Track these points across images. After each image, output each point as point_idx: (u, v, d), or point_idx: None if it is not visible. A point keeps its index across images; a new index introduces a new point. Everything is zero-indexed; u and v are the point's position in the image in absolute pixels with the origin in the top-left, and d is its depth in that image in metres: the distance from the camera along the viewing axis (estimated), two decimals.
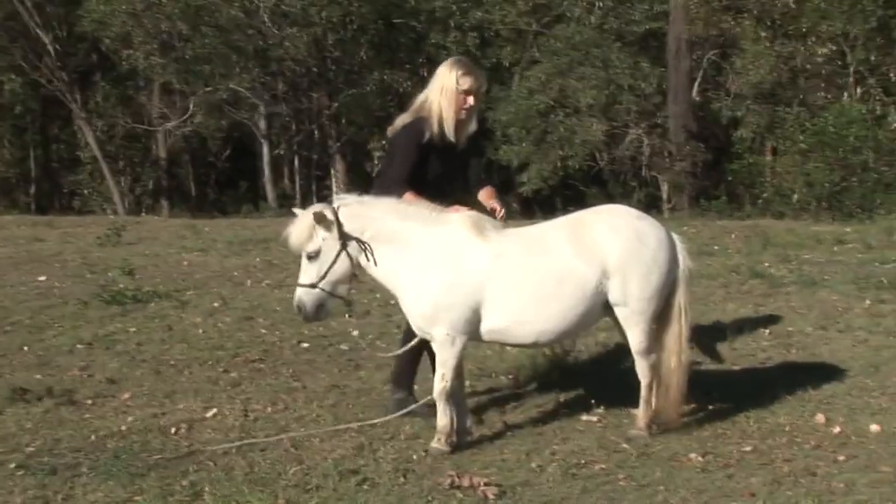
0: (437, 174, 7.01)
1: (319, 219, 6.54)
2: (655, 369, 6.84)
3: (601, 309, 6.67)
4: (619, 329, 6.92)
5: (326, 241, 6.59)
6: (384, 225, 6.59)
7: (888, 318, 9.90)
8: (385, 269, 6.65)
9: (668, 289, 6.72)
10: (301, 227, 6.64)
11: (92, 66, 35.58)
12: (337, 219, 6.57)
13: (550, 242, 6.59)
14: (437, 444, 6.60)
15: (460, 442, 6.68)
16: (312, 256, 6.63)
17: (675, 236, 6.86)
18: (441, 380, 6.62)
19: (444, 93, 6.94)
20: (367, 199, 6.75)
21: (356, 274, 6.72)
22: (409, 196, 6.81)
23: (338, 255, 6.59)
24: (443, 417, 6.65)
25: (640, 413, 6.93)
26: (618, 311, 6.65)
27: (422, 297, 6.53)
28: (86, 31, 32.10)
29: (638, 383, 6.89)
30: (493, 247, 6.52)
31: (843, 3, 26.93)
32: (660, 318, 6.77)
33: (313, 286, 6.64)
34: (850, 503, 5.48)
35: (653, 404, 6.90)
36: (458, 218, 6.62)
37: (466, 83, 6.90)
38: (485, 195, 7.11)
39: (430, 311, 6.51)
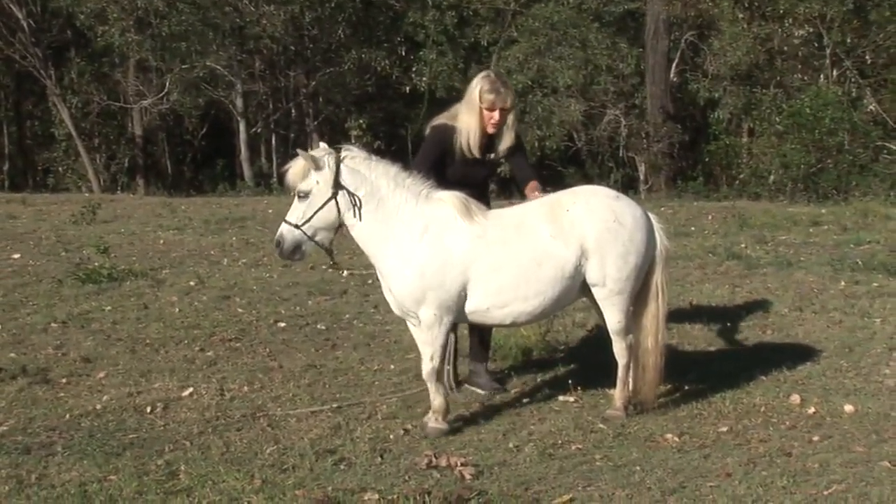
0: (458, 179, 7.06)
1: (316, 163, 6.54)
2: (632, 349, 6.86)
3: (579, 290, 6.69)
4: (595, 310, 6.95)
5: (319, 185, 6.59)
6: (378, 187, 6.61)
7: (862, 300, 9.96)
8: (370, 234, 6.65)
9: (646, 269, 6.74)
10: (299, 165, 6.61)
11: (66, 43, 35.22)
12: (337, 167, 6.56)
13: (529, 224, 6.60)
14: (435, 423, 6.61)
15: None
16: (302, 196, 6.63)
17: (651, 216, 6.86)
18: (430, 360, 6.63)
19: (469, 106, 7.05)
20: (374, 158, 6.74)
21: (342, 226, 6.70)
22: None
23: (326, 202, 6.59)
24: (437, 397, 6.67)
25: (617, 393, 6.95)
26: (596, 292, 6.66)
27: (410, 279, 6.53)
28: (60, 6, 31.79)
29: (615, 364, 6.91)
30: (475, 228, 6.54)
31: None
32: (637, 299, 6.79)
33: (297, 227, 6.62)
34: (825, 483, 5.51)
35: (630, 385, 6.93)
36: (447, 196, 6.63)
37: (488, 100, 6.98)
38: (528, 189, 7.18)
39: (419, 293, 6.51)
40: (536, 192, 7.09)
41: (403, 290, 6.57)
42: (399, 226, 6.57)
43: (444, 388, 6.76)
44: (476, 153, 7.08)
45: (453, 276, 6.47)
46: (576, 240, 6.50)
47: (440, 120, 7.24)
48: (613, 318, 6.75)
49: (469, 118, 7.03)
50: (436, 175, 6.93)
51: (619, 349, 6.87)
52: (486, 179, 7.47)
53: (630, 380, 6.94)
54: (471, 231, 6.53)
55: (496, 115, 7.00)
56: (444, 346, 6.68)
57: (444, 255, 6.49)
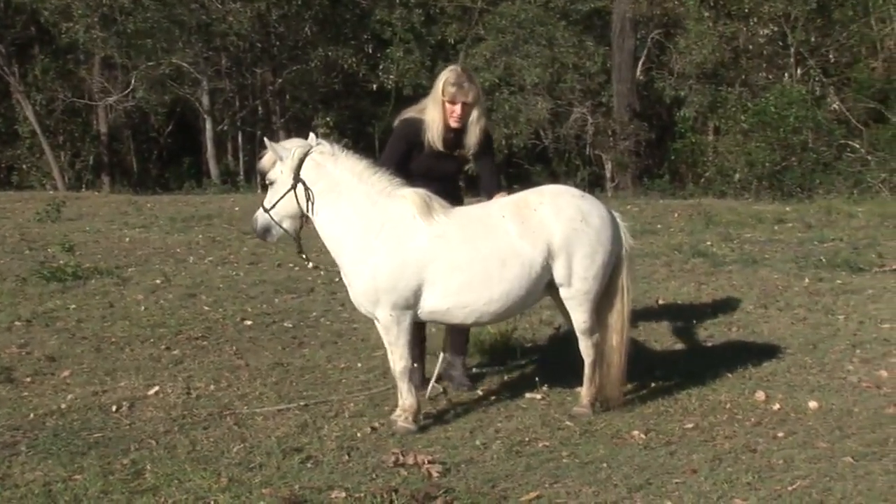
0: (424, 173, 7.07)
1: (279, 154, 6.71)
2: (598, 347, 6.87)
3: (544, 289, 6.70)
4: (560, 309, 6.95)
5: (282, 175, 6.75)
6: (339, 182, 6.64)
7: (826, 297, 10.04)
8: (329, 229, 6.71)
9: (612, 268, 6.75)
10: (268, 154, 6.81)
11: (30, 39, 34.90)
12: (301, 160, 6.67)
13: (494, 224, 6.57)
14: (404, 422, 6.60)
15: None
16: (269, 184, 6.83)
17: (616, 215, 6.87)
18: (399, 359, 6.62)
19: (434, 99, 7.08)
20: (343, 153, 6.77)
21: (307, 217, 6.81)
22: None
23: (286, 193, 6.74)
24: (408, 396, 6.65)
25: (584, 391, 6.96)
26: (562, 291, 6.66)
27: (365, 278, 6.54)
28: (24, 2, 31.51)
29: (581, 361, 6.92)
30: (435, 228, 6.51)
31: None
32: (602, 297, 6.79)
33: (266, 211, 6.84)
34: (789, 479, 5.54)
35: (596, 382, 6.93)
36: (409, 193, 6.61)
37: (449, 93, 6.99)
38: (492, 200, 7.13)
39: (373, 293, 6.52)
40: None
41: (358, 289, 6.61)
42: (357, 223, 6.58)
43: (415, 387, 6.74)
44: (440, 146, 7.07)
45: (408, 276, 6.46)
46: (543, 239, 6.49)
47: (408, 113, 7.26)
48: (580, 318, 6.75)
49: (433, 111, 7.05)
50: (403, 169, 6.96)
51: (584, 347, 6.87)
52: (454, 175, 7.44)
53: (596, 377, 6.94)
54: (429, 230, 6.50)
55: (458, 108, 6.99)
56: (410, 345, 6.65)
57: (399, 255, 6.48)
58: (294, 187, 6.68)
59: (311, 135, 6.88)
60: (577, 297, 6.66)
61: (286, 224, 6.84)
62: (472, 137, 7.11)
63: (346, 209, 6.62)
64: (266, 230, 6.90)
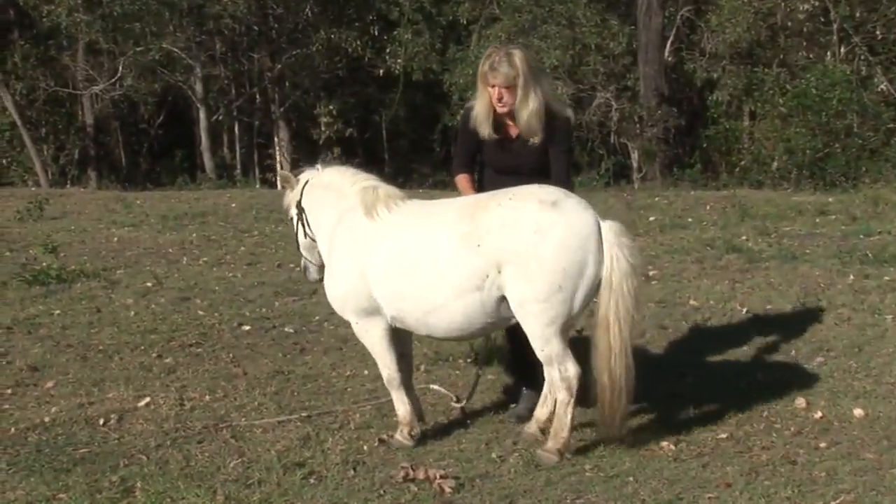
0: (496, 167, 7.04)
1: (282, 181, 6.96)
2: (570, 384, 6.22)
3: (501, 306, 6.26)
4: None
5: (289, 205, 7.01)
6: (320, 196, 6.84)
7: (872, 295, 10.01)
8: (322, 246, 6.88)
9: (588, 294, 6.17)
10: (284, 190, 7.07)
11: (8, 23, 35.06)
12: (302, 186, 6.88)
13: (441, 225, 6.33)
14: (399, 436, 6.61)
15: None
16: (290, 220, 7.09)
17: (612, 232, 6.17)
18: (383, 368, 6.68)
19: (478, 83, 6.99)
20: (348, 170, 6.90)
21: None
22: (460, 179, 7.13)
23: (295, 221, 6.97)
24: (399, 406, 6.67)
25: (551, 433, 6.37)
26: (514, 311, 6.21)
27: (327, 285, 6.76)
28: None
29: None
30: (377, 227, 6.48)
31: None
32: (592, 328, 6.41)
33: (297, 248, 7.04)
34: (832, 493, 5.54)
35: (566, 427, 6.27)
36: (359, 189, 6.66)
37: (483, 75, 6.87)
38: None
39: (334, 300, 6.72)
40: None
41: (328, 296, 6.79)
42: (326, 230, 6.81)
43: (408, 396, 6.73)
44: (485, 134, 6.90)
45: (353, 281, 6.50)
46: (490, 248, 6.10)
47: (471, 101, 7.13)
48: (534, 344, 6.24)
49: (479, 95, 6.94)
50: (479, 165, 7.08)
51: (550, 380, 6.36)
52: (535, 169, 6.91)
53: (567, 419, 6.26)
54: (372, 231, 6.48)
55: (496, 92, 6.80)
56: (391, 353, 6.64)
57: (346, 258, 6.57)
58: (299, 216, 6.93)
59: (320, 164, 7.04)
60: (528, 319, 6.14)
61: (313, 256, 7.04)
62: (522, 123, 6.83)
63: (322, 219, 6.83)
64: (305, 269, 7.24)
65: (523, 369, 7.24)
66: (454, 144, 7.35)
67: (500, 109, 6.85)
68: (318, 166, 6.99)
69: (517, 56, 6.77)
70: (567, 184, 6.83)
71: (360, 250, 6.49)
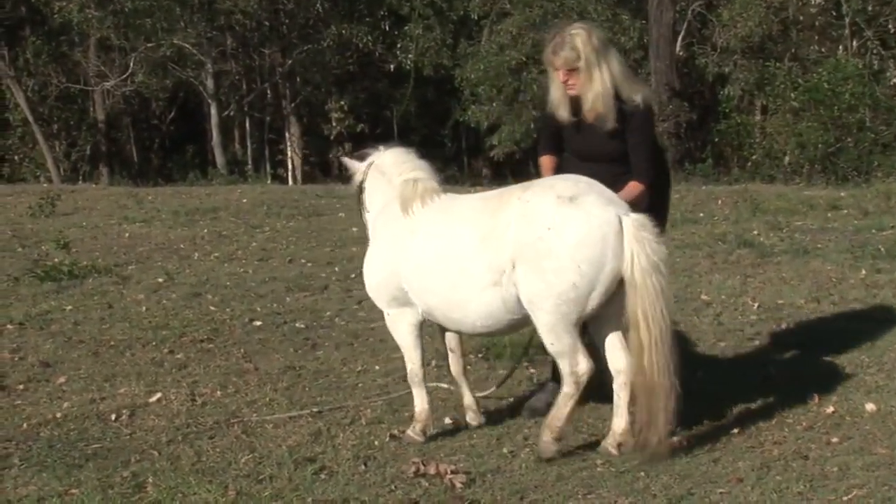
0: (578, 154, 6.77)
1: (346, 166, 7.02)
2: (578, 379, 6.07)
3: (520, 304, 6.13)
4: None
5: (354, 185, 7.05)
6: (372, 181, 6.87)
7: (885, 290, 9.98)
8: (369, 231, 6.93)
9: (606, 291, 5.97)
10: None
11: (21, 20, 35.18)
12: (367, 167, 6.91)
13: (465, 220, 6.28)
14: (412, 431, 6.61)
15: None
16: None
17: (632, 226, 5.95)
18: (407, 362, 6.68)
19: (548, 68, 6.78)
20: (404, 156, 6.86)
21: None
22: (541, 161, 6.95)
23: (357, 201, 7.04)
24: (417, 403, 6.66)
25: (550, 420, 6.17)
26: (527, 307, 6.09)
27: (365, 274, 6.78)
28: None
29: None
30: (409, 222, 6.47)
31: None
32: (627, 329, 6.21)
33: None
34: (844, 488, 5.52)
35: (564, 417, 6.11)
36: (400, 182, 6.63)
37: (550, 60, 6.62)
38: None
39: (369, 289, 6.74)
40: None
41: (365, 285, 6.82)
42: (370, 218, 6.88)
43: (426, 393, 6.73)
44: (560, 117, 6.67)
45: (386, 273, 6.53)
46: (506, 244, 6.01)
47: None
48: (545, 339, 6.11)
49: (552, 81, 6.71)
50: (561, 151, 6.88)
51: (562, 374, 6.19)
52: (612, 157, 6.66)
53: (566, 410, 6.09)
54: (405, 225, 6.48)
55: (561, 74, 6.57)
56: (417, 349, 6.64)
57: (380, 249, 6.62)
58: (359, 197, 6.97)
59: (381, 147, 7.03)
60: (541, 316, 6.02)
61: None
62: (588, 107, 6.56)
63: (373, 204, 6.86)
64: None
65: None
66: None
67: (570, 92, 6.60)
68: (382, 147, 6.95)
69: (579, 38, 6.47)
70: (646, 177, 6.57)
71: (394, 244, 6.51)
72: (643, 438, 6.07)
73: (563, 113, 6.65)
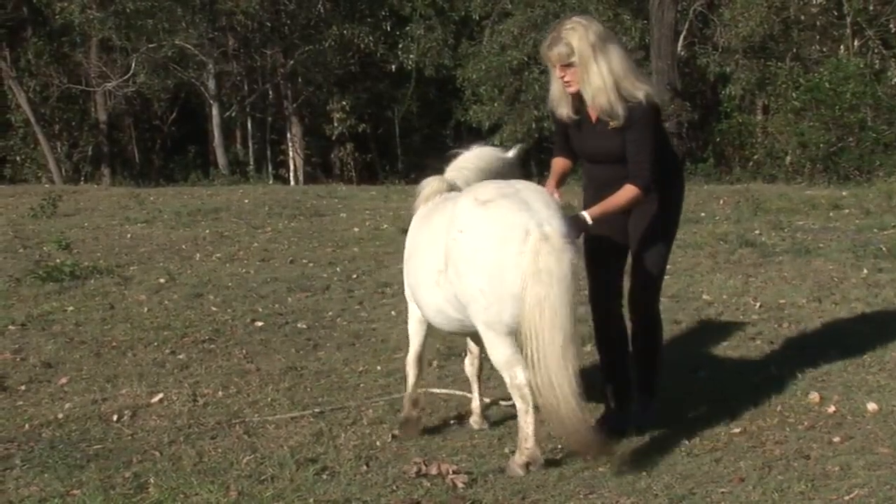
0: (585, 154, 6.60)
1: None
2: (522, 391, 5.84)
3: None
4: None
5: None
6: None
7: (887, 289, 9.98)
8: None
9: (517, 302, 5.74)
10: None
11: (22, 21, 35.20)
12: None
13: (427, 222, 6.33)
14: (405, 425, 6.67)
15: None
16: None
17: (538, 234, 5.67)
18: (410, 347, 6.77)
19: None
20: (467, 154, 6.86)
21: None
22: (553, 162, 6.74)
23: None
24: (408, 388, 6.77)
25: (518, 443, 6.00)
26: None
27: None
28: None
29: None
30: (416, 218, 6.59)
31: None
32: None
33: None
34: (846, 488, 5.52)
35: (530, 438, 5.89)
36: (429, 182, 6.67)
37: (545, 55, 6.43)
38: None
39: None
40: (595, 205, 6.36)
41: None
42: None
43: (416, 380, 6.76)
44: (559, 114, 6.52)
45: (406, 269, 6.61)
46: (441, 246, 6.02)
47: None
48: (484, 347, 6.09)
49: (552, 77, 6.52)
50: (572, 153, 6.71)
51: (509, 388, 6.04)
52: (618, 156, 6.39)
53: (529, 429, 5.87)
54: (415, 220, 6.60)
55: (558, 71, 6.38)
56: (419, 342, 6.68)
57: (407, 245, 6.65)
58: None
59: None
60: (476, 324, 5.95)
61: None
62: (590, 103, 6.34)
63: None
64: None
65: (612, 378, 6.80)
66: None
67: (569, 90, 6.42)
68: (476, 146, 6.95)
69: (574, 32, 6.24)
70: (643, 180, 6.27)
71: (407, 239, 6.64)
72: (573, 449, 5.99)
73: (562, 110, 6.50)
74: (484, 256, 5.74)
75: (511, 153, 7.02)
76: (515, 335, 5.78)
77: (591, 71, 6.22)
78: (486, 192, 5.93)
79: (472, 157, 6.81)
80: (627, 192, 6.30)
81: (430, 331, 6.66)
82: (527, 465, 5.91)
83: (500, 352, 5.90)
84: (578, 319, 5.87)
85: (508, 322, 5.78)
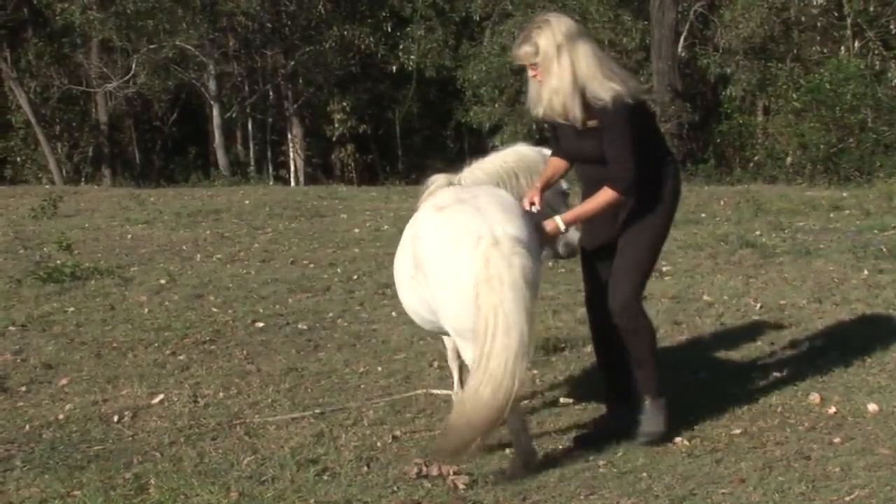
0: (572, 156, 6.46)
1: None
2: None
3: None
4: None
5: None
6: None
7: (887, 290, 9.98)
8: None
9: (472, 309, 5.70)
10: None
11: (23, 22, 35.21)
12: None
13: (409, 225, 6.32)
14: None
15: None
16: None
17: (490, 240, 5.63)
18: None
19: None
20: (495, 153, 6.76)
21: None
22: (549, 161, 6.54)
23: None
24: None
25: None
26: None
27: None
28: None
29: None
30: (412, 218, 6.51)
31: None
32: None
33: None
34: (847, 488, 5.51)
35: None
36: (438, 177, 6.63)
37: (514, 54, 6.29)
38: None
39: None
40: (566, 210, 6.39)
41: None
42: None
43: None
44: (534, 112, 6.35)
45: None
46: (410, 249, 6.08)
47: None
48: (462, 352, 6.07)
49: (529, 78, 6.39)
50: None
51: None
52: (594, 157, 6.26)
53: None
54: (412, 218, 6.49)
55: (530, 70, 6.25)
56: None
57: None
58: None
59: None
60: (445, 327, 6.02)
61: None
62: (545, 105, 6.19)
63: None
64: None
65: (611, 379, 6.78)
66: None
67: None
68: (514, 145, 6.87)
69: (541, 31, 6.09)
70: (621, 183, 6.15)
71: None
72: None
73: (538, 110, 6.29)
74: (439, 262, 5.76)
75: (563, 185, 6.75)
76: None
77: (550, 71, 6.08)
78: (444, 198, 5.96)
79: (498, 157, 6.64)
80: (605, 195, 6.20)
81: None
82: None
83: (469, 357, 5.89)
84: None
85: (473, 328, 5.70)
